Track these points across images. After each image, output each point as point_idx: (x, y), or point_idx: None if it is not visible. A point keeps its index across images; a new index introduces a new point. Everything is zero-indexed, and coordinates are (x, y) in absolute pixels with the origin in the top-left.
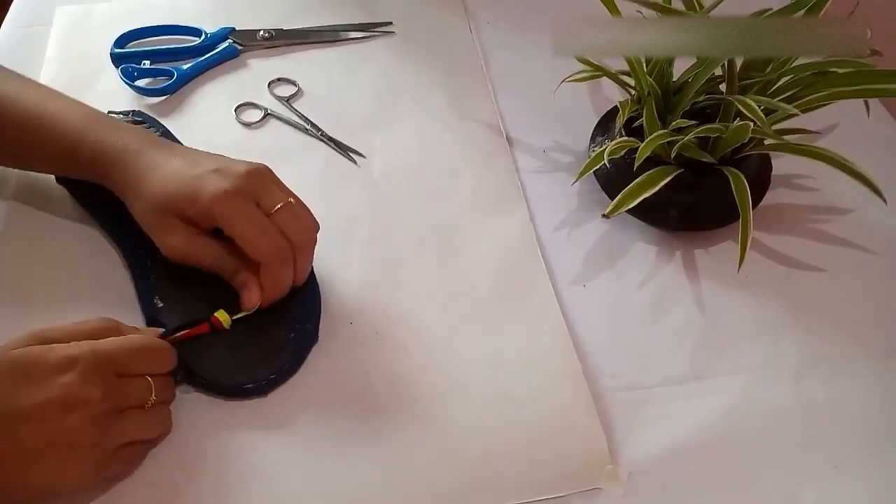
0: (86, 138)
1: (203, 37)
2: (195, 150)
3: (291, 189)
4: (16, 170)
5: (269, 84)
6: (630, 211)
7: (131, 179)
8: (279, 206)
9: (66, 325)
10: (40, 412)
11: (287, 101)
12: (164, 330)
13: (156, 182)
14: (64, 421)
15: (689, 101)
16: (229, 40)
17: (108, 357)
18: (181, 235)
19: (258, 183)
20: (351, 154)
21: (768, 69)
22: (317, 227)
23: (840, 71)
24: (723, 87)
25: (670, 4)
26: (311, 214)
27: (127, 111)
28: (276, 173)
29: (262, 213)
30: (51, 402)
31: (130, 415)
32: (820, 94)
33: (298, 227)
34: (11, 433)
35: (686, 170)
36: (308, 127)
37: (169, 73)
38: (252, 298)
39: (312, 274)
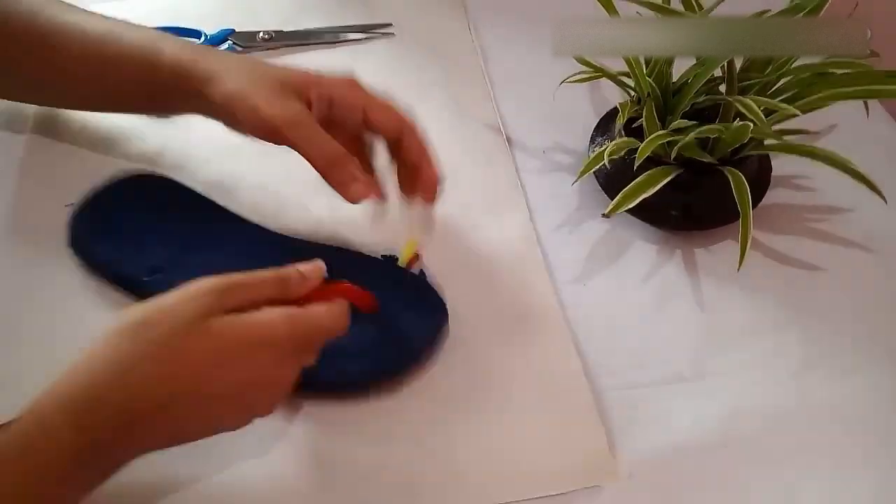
0: (164, 45)
1: (203, 38)
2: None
3: (292, 187)
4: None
5: None
6: (630, 210)
7: (233, 63)
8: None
9: (243, 278)
10: (232, 391)
11: None
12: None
13: (265, 65)
14: (254, 398)
15: (688, 101)
16: (229, 42)
17: (302, 339)
18: (298, 105)
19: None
20: None
21: (768, 70)
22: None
23: (839, 71)
24: (722, 87)
25: (669, 5)
26: None
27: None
28: (277, 174)
29: None
30: (243, 384)
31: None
32: (819, 94)
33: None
34: (201, 411)
35: (686, 170)
36: None
37: None
38: (361, 190)
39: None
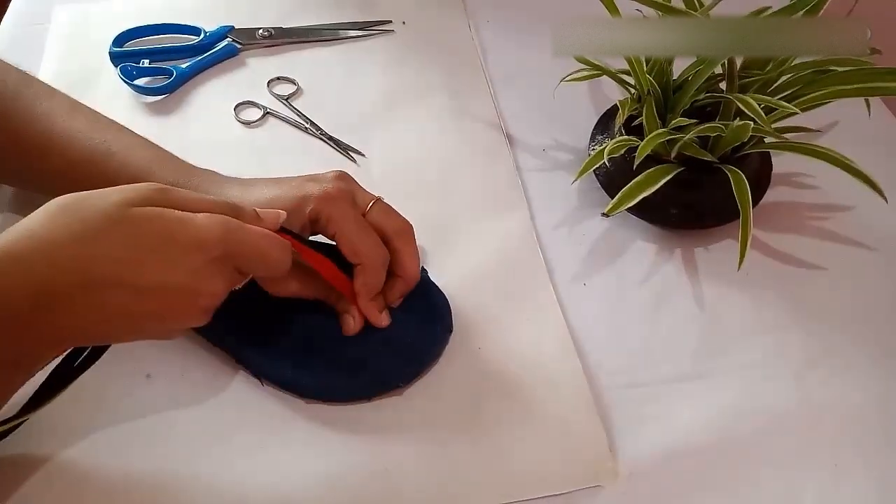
0: (154, 179)
1: (202, 35)
2: (265, 178)
3: None
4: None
5: (269, 83)
6: (630, 209)
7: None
8: (371, 203)
9: (189, 193)
10: (158, 293)
11: (286, 99)
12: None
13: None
14: (176, 303)
15: (689, 99)
16: (228, 39)
17: (236, 251)
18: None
19: (350, 184)
20: (350, 153)
21: (768, 67)
22: (409, 224)
23: (840, 69)
24: (723, 85)
25: (670, 3)
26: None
27: None
28: (275, 172)
29: (360, 212)
30: (171, 287)
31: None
32: (820, 92)
33: (393, 219)
34: (122, 303)
35: (686, 168)
36: (307, 126)
37: (168, 72)
38: (356, 326)
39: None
